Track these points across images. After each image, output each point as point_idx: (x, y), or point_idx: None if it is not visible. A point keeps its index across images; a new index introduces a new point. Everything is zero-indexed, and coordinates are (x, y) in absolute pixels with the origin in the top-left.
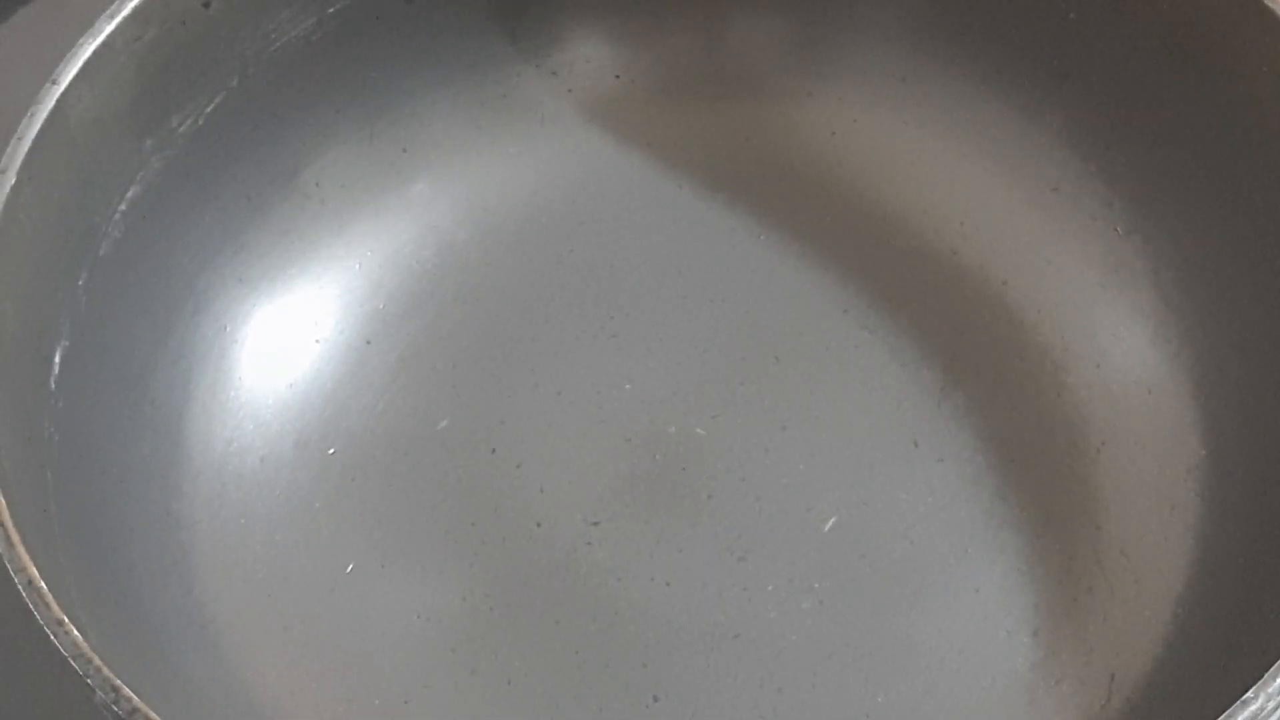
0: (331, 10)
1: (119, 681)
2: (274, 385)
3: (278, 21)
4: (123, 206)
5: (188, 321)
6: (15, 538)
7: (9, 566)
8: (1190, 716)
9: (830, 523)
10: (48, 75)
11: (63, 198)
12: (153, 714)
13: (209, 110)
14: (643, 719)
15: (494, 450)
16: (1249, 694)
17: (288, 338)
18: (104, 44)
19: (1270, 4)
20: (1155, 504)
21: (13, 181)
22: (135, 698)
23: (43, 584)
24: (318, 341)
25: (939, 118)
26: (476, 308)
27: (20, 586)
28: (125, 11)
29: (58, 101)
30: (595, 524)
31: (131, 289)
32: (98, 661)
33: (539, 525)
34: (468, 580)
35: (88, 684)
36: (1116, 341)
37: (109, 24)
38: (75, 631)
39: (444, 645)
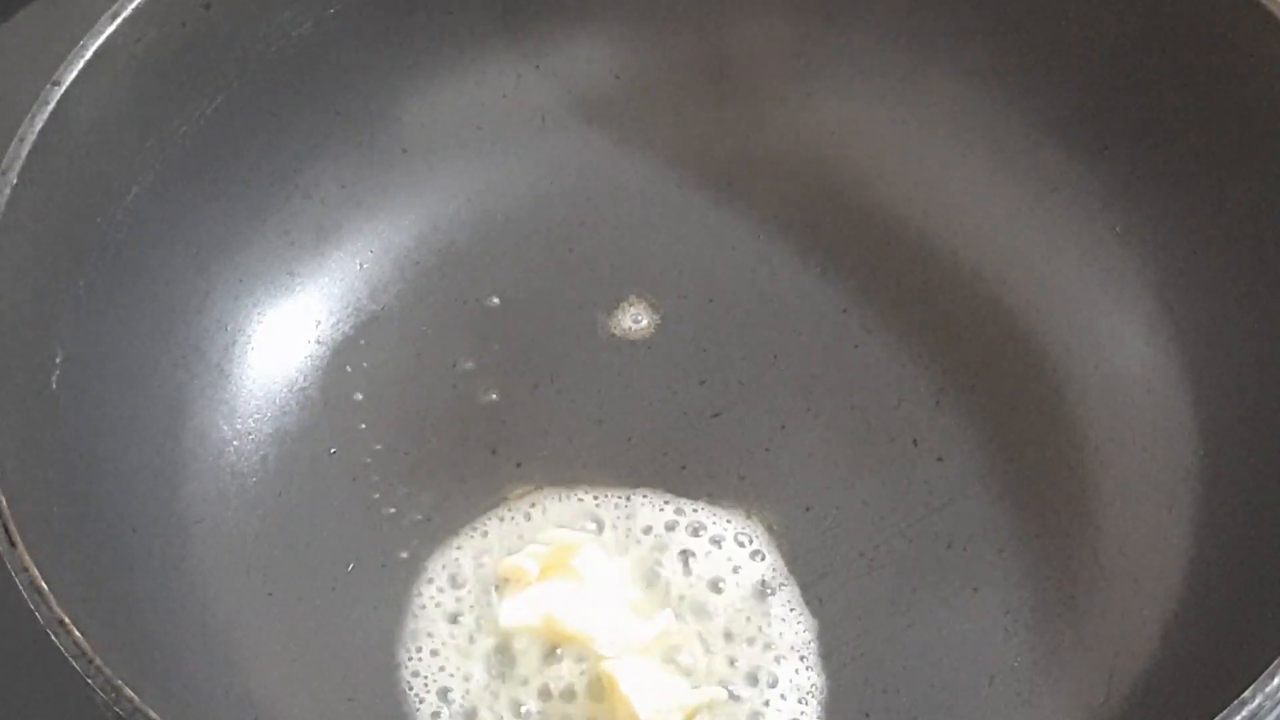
0: (331, 12)
1: (120, 681)
2: (275, 385)
3: (278, 23)
4: (124, 207)
5: (189, 322)
6: (17, 538)
7: (10, 567)
8: (1188, 715)
9: (829, 522)
10: (49, 76)
11: (64, 199)
12: (153, 714)
13: (209, 111)
14: None
15: (494, 450)
16: (1246, 693)
17: (288, 338)
18: (105, 45)
19: (1268, 5)
20: (1153, 503)
21: (14, 182)
22: (136, 698)
23: (44, 584)
24: (318, 342)
25: (939, 118)
26: (476, 308)
27: (22, 587)
28: (126, 13)
29: (59, 102)
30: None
31: (133, 290)
32: (99, 661)
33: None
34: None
35: (89, 684)
36: (1115, 341)
37: (110, 25)
38: (77, 631)
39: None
